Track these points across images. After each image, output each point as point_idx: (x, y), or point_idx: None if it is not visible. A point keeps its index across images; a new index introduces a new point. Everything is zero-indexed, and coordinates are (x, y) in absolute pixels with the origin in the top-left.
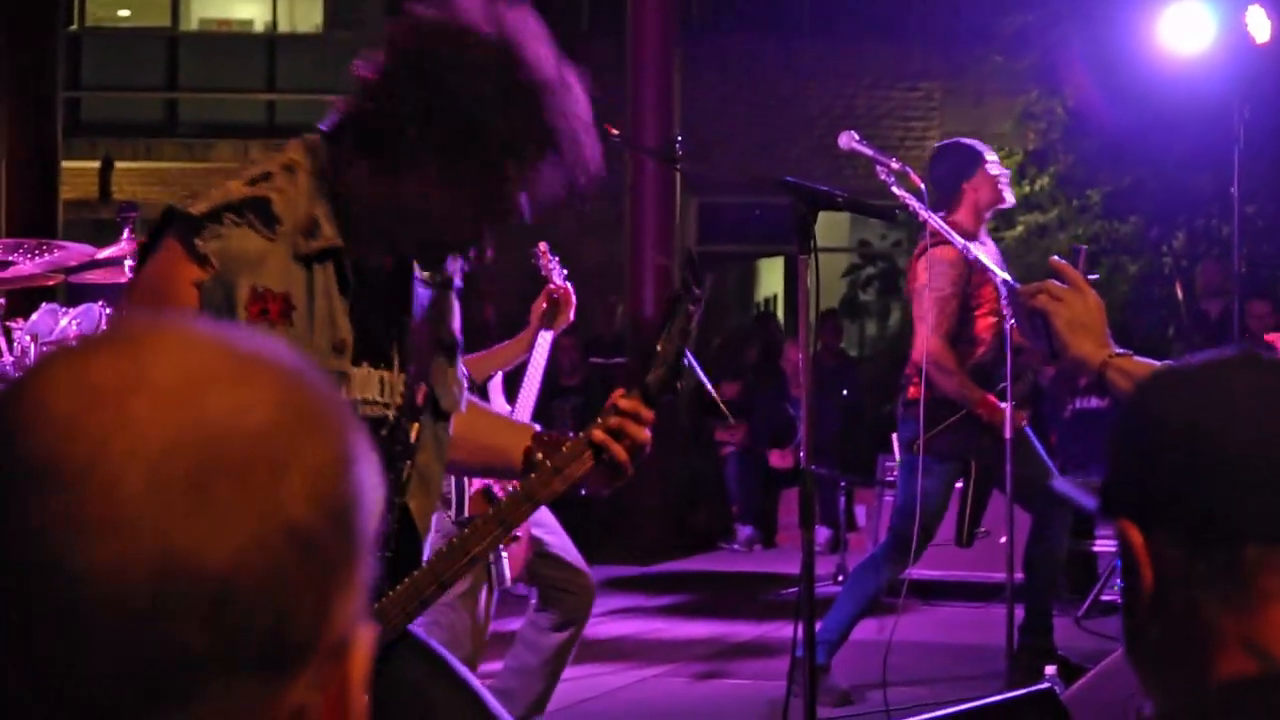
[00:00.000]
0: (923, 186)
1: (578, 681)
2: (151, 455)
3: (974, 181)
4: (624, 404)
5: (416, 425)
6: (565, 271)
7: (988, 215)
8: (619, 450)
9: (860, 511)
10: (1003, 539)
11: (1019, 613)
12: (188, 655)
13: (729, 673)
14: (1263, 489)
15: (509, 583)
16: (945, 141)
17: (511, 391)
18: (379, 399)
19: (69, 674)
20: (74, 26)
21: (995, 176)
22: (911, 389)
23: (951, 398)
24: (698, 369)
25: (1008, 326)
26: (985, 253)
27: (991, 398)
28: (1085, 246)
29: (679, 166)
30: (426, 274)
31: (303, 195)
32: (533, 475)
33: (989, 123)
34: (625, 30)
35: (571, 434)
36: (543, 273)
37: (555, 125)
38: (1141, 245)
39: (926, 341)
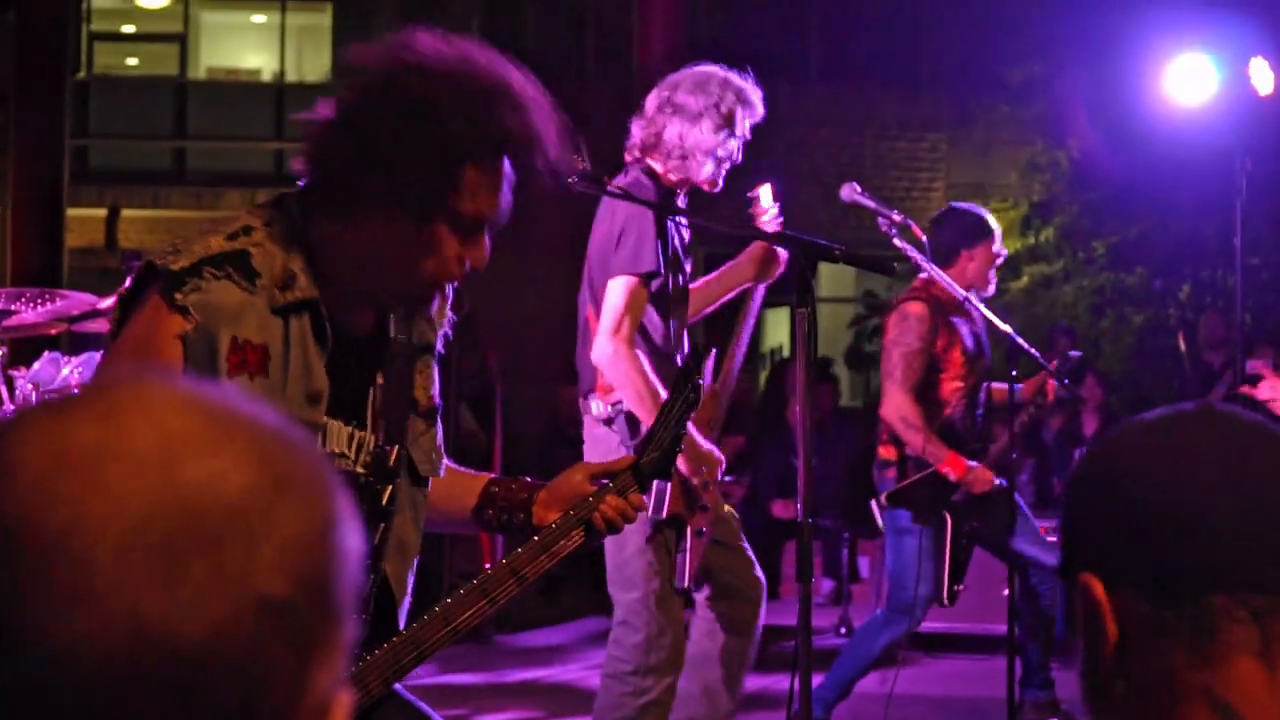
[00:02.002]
0: (924, 239)
1: None
2: (125, 525)
3: (974, 253)
4: (619, 500)
5: (390, 488)
6: (781, 219)
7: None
8: (610, 531)
9: (864, 563)
10: (1004, 591)
11: (1020, 666)
12: None
13: None
14: (1226, 538)
15: (687, 582)
16: (961, 205)
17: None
18: (348, 455)
19: None
20: (82, 74)
21: (994, 257)
22: (882, 449)
23: (919, 455)
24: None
25: (981, 395)
26: (970, 324)
27: (959, 456)
28: (1079, 354)
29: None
30: (404, 337)
31: (279, 249)
32: (519, 550)
33: (995, 174)
34: (631, 77)
35: (528, 479)
36: (756, 221)
37: (510, 124)
38: (1146, 297)
39: (894, 396)
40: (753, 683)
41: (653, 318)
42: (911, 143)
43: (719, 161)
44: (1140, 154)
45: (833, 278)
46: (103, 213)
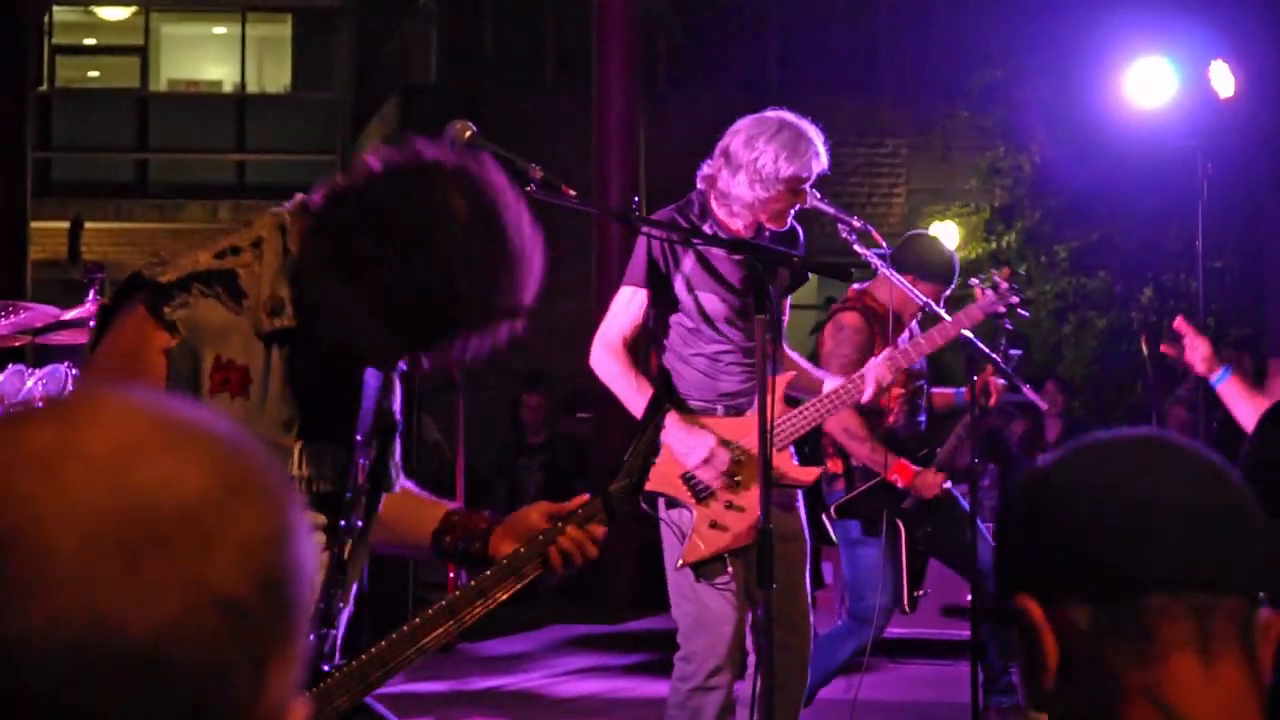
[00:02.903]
0: (885, 245)
1: None
2: (83, 521)
3: (922, 288)
4: (597, 532)
5: (362, 502)
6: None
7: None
8: (566, 568)
9: (827, 569)
10: (968, 596)
11: (983, 672)
12: None
13: None
14: (1158, 537)
15: (680, 563)
16: (938, 242)
17: None
18: (329, 475)
19: None
20: (44, 87)
21: (936, 299)
22: (829, 462)
23: (865, 465)
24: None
25: (921, 401)
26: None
27: (905, 462)
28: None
29: (637, 227)
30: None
31: (269, 273)
32: (488, 572)
33: (955, 179)
34: (589, 90)
35: (487, 511)
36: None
37: (514, 302)
38: (1109, 301)
39: None
40: None
41: (695, 323)
42: (871, 149)
43: (770, 210)
44: (1101, 158)
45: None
46: (65, 225)
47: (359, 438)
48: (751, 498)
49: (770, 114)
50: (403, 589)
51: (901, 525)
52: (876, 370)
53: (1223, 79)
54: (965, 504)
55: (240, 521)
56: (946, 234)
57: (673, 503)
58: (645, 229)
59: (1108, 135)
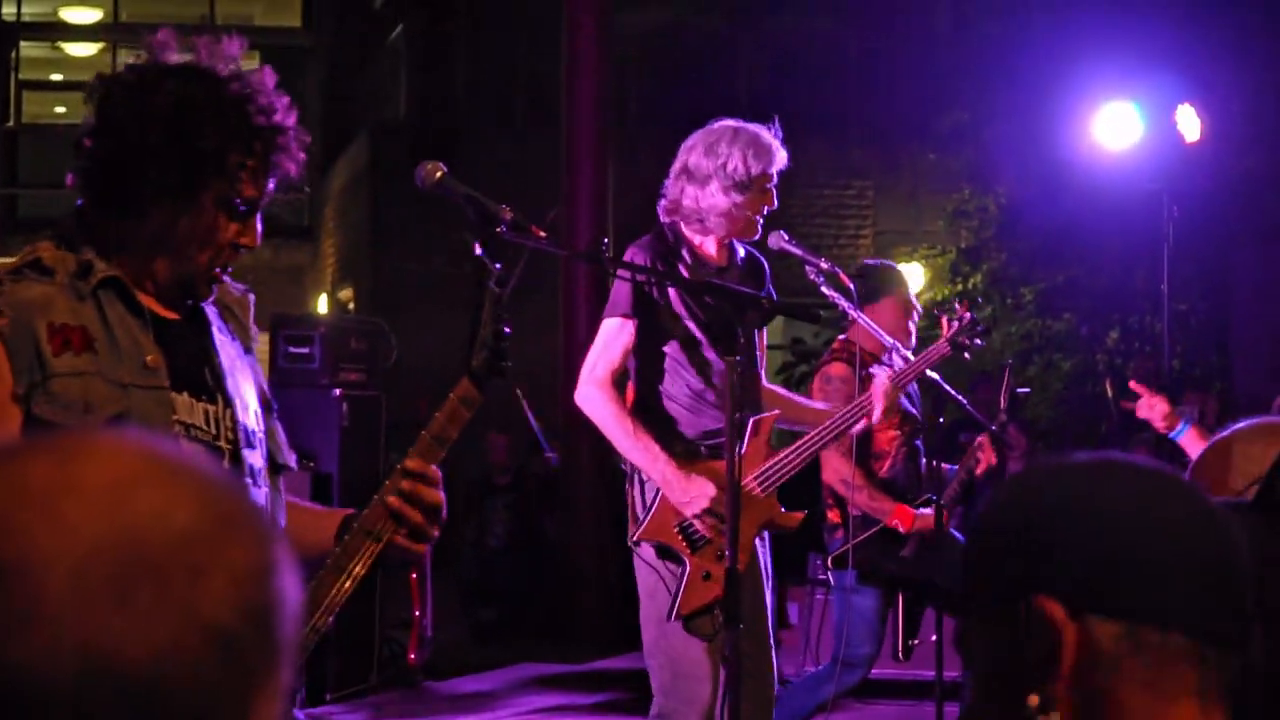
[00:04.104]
0: (851, 286)
1: None
2: (76, 553)
3: (889, 305)
4: (410, 464)
5: (258, 459)
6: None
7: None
8: (414, 515)
9: (793, 610)
10: (933, 637)
11: (949, 709)
12: None
13: None
14: (1197, 586)
15: (671, 617)
16: (878, 265)
17: None
18: (207, 428)
19: None
20: (11, 123)
21: (905, 309)
22: (829, 513)
23: (865, 512)
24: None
25: (920, 444)
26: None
27: (905, 507)
28: (1011, 362)
29: (604, 267)
30: (233, 334)
31: (67, 252)
32: (345, 541)
33: (922, 221)
34: (559, 129)
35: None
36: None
37: (264, 110)
38: (1075, 343)
39: (831, 460)
40: None
41: (677, 358)
42: (838, 190)
43: (743, 216)
44: (1068, 201)
45: None
46: None
47: (231, 395)
48: (741, 547)
49: (716, 124)
50: (369, 633)
51: (897, 574)
52: (881, 386)
53: (1189, 123)
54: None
55: (229, 554)
56: (913, 275)
57: (665, 551)
58: (619, 270)
59: (1075, 178)
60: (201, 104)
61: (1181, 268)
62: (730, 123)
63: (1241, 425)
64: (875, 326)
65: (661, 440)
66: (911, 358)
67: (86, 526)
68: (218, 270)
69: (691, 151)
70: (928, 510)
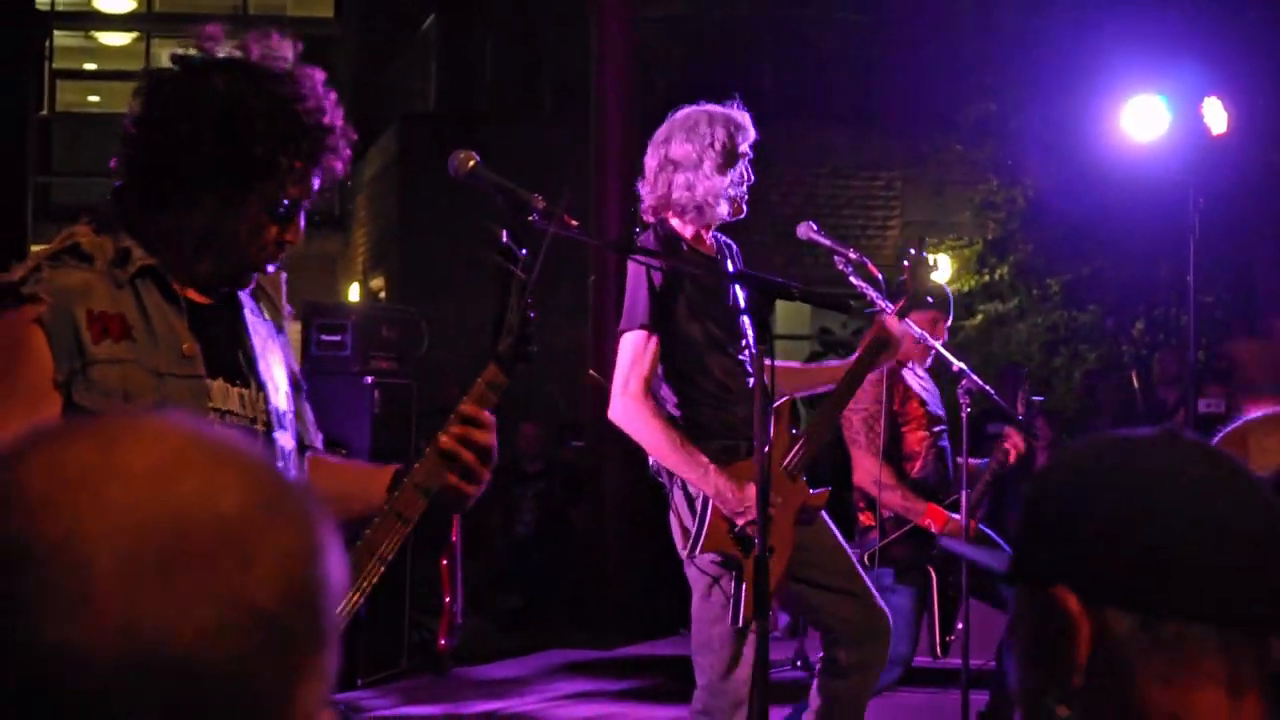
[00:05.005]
0: (880, 276)
1: None
2: (123, 537)
3: (919, 318)
4: (465, 409)
5: (289, 439)
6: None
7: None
8: (467, 455)
9: None
10: (959, 626)
11: (975, 698)
12: None
13: None
14: (1218, 573)
15: (740, 622)
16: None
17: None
18: (241, 412)
19: None
20: (45, 111)
21: (933, 329)
22: (861, 516)
23: (898, 513)
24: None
25: (947, 445)
26: (916, 377)
27: (936, 507)
28: (1027, 368)
29: (633, 257)
30: (264, 315)
31: (107, 239)
32: (397, 493)
33: (949, 212)
34: (586, 117)
35: None
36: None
37: (314, 112)
38: (1100, 335)
39: (862, 462)
40: None
41: (699, 357)
42: (866, 181)
43: (734, 195)
44: (1094, 192)
45: (788, 315)
46: None
47: (263, 379)
48: (782, 538)
49: (678, 114)
50: (399, 618)
51: (933, 572)
52: (891, 323)
53: (1216, 115)
54: (1001, 540)
55: (275, 538)
56: (940, 266)
57: (728, 560)
58: (641, 260)
59: (1101, 170)
60: (252, 104)
61: (1207, 259)
62: (692, 108)
63: (1256, 415)
64: (908, 321)
65: (700, 444)
66: (941, 350)
67: (132, 510)
68: (261, 265)
69: (669, 143)
70: (958, 516)
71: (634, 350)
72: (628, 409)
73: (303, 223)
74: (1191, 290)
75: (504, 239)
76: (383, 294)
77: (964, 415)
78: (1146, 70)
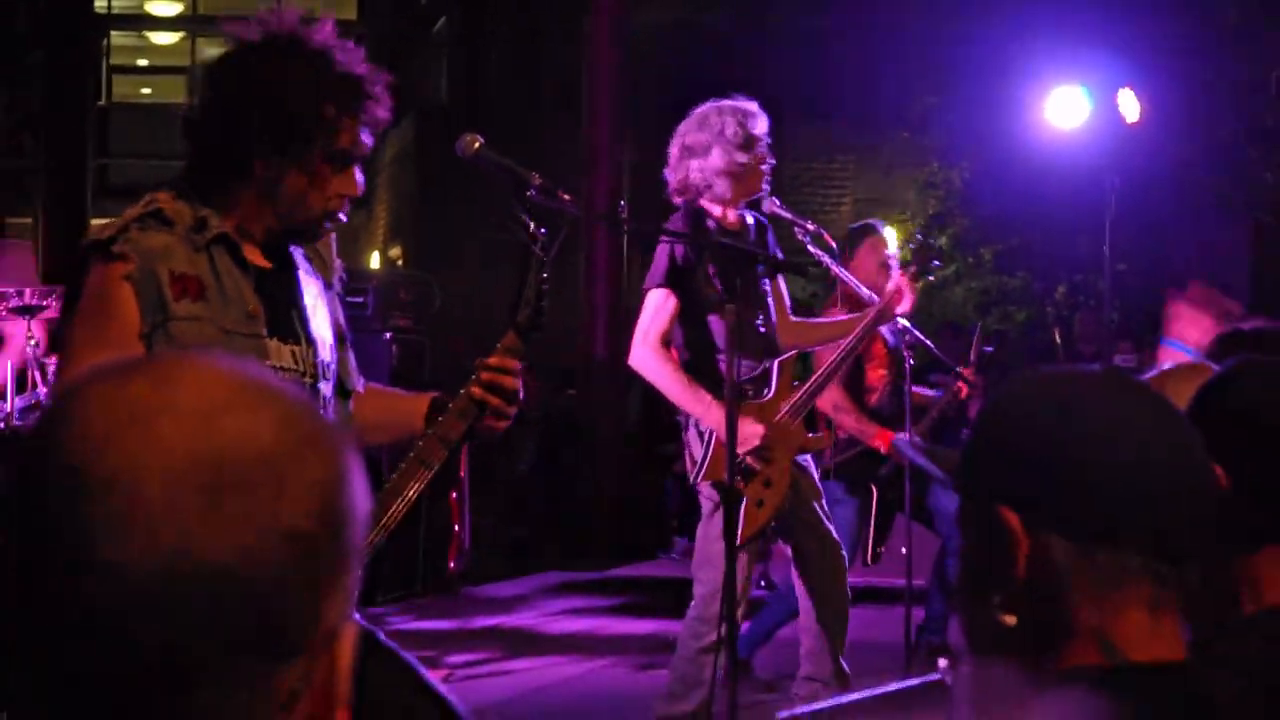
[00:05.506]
0: (834, 245)
1: (534, 672)
2: (173, 468)
3: (874, 242)
4: (493, 360)
5: (330, 390)
6: (901, 274)
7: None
8: (494, 399)
9: None
10: (903, 549)
11: (916, 613)
12: (195, 640)
13: (667, 665)
14: (1154, 504)
15: (739, 542)
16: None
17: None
18: (294, 367)
19: (91, 658)
20: (103, 101)
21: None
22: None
23: (852, 434)
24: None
25: (904, 384)
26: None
27: (886, 431)
28: (980, 324)
29: (618, 226)
30: (316, 271)
31: (185, 205)
32: (440, 418)
33: (896, 191)
34: (581, 113)
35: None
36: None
37: (346, 63)
38: (1027, 297)
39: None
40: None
41: (705, 320)
42: (824, 164)
43: (747, 172)
44: (1022, 174)
45: None
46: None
47: (313, 336)
48: (778, 471)
49: (697, 110)
50: (414, 546)
51: (875, 488)
52: (900, 281)
53: (1130, 105)
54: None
55: (309, 467)
56: (888, 237)
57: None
58: (663, 239)
59: (1028, 154)
60: (290, 67)
61: (1121, 233)
62: (709, 104)
63: (1169, 367)
64: (854, 280)
65: (709, 389)
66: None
67: (181, 444)
68: (326, 220)
69: (686, 134)
70: (904, 435)
71: (654, 306)
72: (645, 357)
73: (360, 176)
74: (1108, 260)
75: (526, 220)
76: (400, 261)
77: (907, 366)
78: (1069, 63)
